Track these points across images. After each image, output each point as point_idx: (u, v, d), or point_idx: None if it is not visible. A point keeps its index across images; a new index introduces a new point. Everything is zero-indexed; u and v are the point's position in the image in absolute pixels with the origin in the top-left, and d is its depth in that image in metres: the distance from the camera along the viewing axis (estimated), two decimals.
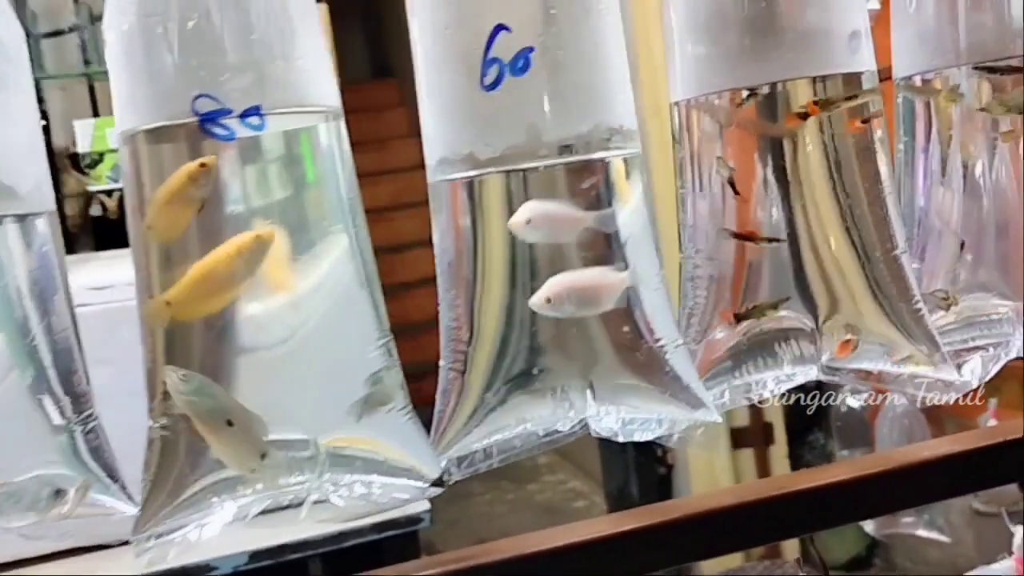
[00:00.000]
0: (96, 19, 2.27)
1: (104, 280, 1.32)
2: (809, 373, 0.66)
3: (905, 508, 0.66)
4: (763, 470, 2.61)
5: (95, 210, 2.36)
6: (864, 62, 0.63)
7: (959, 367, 0.70)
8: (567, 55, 0.56)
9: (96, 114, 2.34)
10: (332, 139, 0.54)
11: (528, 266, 0.57)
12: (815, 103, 0.62)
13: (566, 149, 0.56)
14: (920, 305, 0.63)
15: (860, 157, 0.61)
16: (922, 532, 2.02)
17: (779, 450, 2.63)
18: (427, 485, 0.59)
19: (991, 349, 0.71)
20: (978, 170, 0.68)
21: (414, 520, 1.69)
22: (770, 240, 0.65)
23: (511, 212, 0.56)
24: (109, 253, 1.91)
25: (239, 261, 0.50)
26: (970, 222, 0.69)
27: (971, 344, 0.71)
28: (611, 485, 2.83)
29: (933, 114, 0.67)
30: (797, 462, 2.68)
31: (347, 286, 0.54)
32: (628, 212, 0.58)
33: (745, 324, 0.66)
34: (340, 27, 2.70)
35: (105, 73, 0.54)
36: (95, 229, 2.37)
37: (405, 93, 4.68)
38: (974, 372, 0.71)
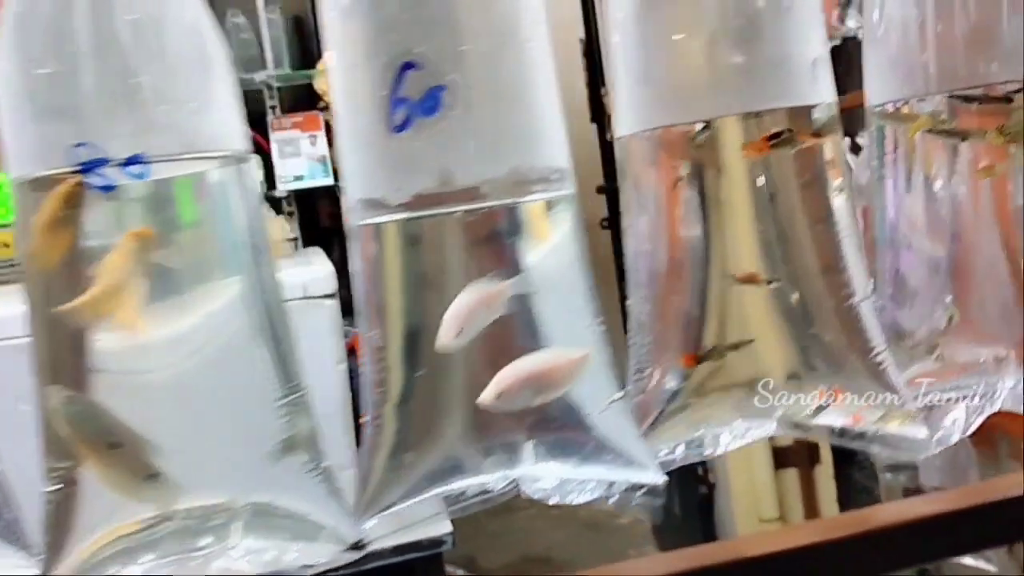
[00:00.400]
0: None
1: None
2: (767, 428, 0.61)
3: (893, 571, 0.61)
4: (808, 491, 2.53)
5: None
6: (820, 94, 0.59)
7: (942, 418, 0.65)
8: (481, 94, 0.52)
9: None
10: (229, 182, 0.51)
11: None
12: (769, 138, 0.57)
13: (480, 195, 0.52)
14: (882, 357, 0.57)
15: (807, 199, 0.56)
16: (969, 560, 1.94)
17: (825, 470, 2.54)
18: (343, 548, 0.55)
19: (976, 399, 0.65)
20: (961, 204, 0.62)
21: (436, 543, 1.67)
22: (770, 281, 0.60)
23: (421, 261, 0.52)
24: None
25: (131, 259, 0.48)
26: (952, 261, 0.63)
27: (954, 393, 0.65)
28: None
29: (902, 143, 0.61)
30: (844, 483, 2.59)
31: (234, 336, 0.51)
32: (550, 257, 0.54)
33: (699, 374, 0.61)
34: None
35: None
36: None
37: None
38: (956, 423, 0.65)
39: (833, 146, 0.57)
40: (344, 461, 0.60)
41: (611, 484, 0.57)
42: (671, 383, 0.61)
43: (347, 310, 2.51)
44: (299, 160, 2.33)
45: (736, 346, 0.61)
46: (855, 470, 2.64)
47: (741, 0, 0.56)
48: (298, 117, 2.39)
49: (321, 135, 2.38)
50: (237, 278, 0.51)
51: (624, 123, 0.60)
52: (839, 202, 0.57)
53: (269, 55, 2.41)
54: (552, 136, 0.55)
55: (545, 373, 0.52)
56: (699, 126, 0.59)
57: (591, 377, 0.55)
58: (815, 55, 0.58)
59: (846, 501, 2.58)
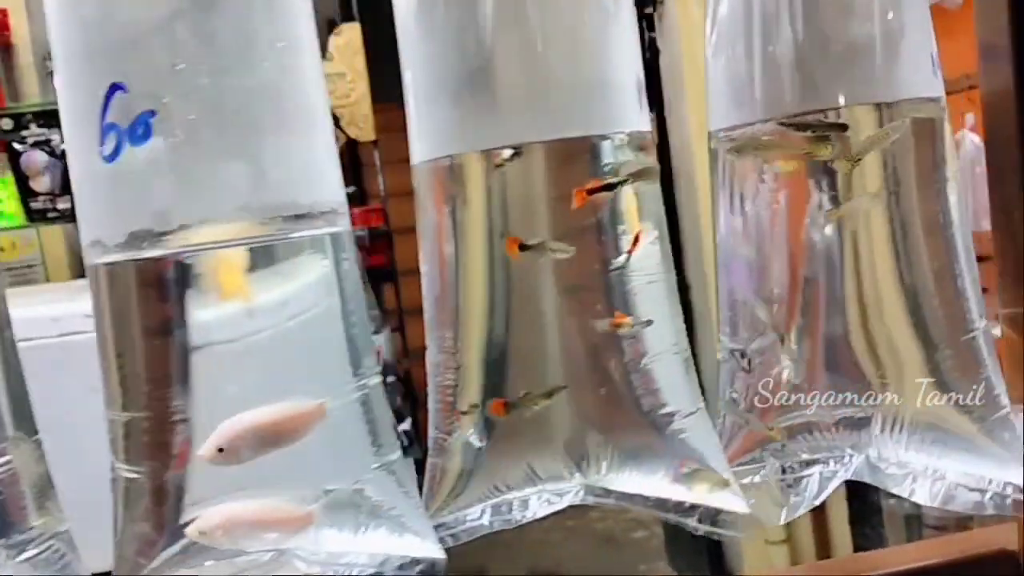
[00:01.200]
0: None
1: None
2: (575, 495, 0.54)
3: None
4: (818, 514, 2.43)
5: None
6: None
7: (791, 484, 0.57)
8: (201, 121, 0.45)
9: None
10: None
11: None
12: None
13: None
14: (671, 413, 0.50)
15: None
16: None
17: (836, 492, 2.43)
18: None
19: (830, 463, 0.57)
20: (803, 234, 0.54)
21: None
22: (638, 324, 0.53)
23: (151, 312, 0.46)
24: None
25: None
26: (795, 298, 0.55)
27: (805, 457, 0.57)
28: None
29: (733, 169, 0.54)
30: (857, 504, 2.49)
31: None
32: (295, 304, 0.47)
33: (509, 425, 0.54)
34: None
35: None
36: None
37: None
38: (808, 492, 0.57)
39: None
40: None
41: (385, 559, 0.51)
42: (474, 436, 0.54)
43: None
44: None
45: (550, 393, 0.53)
46: (869, 491, 2.53)
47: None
48: None
49: None
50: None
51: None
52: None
53: None
54: (308, 169, 0.48)
55: (270, 425, 0.47)
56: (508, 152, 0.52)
57: (349, 436, 0.49)
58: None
59: (859, 522, 2.48)
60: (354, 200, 2.69)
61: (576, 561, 3.02)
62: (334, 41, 2.41)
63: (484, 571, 2.72)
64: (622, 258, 0.49)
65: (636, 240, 0.49)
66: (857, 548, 2.24)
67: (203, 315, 0.45)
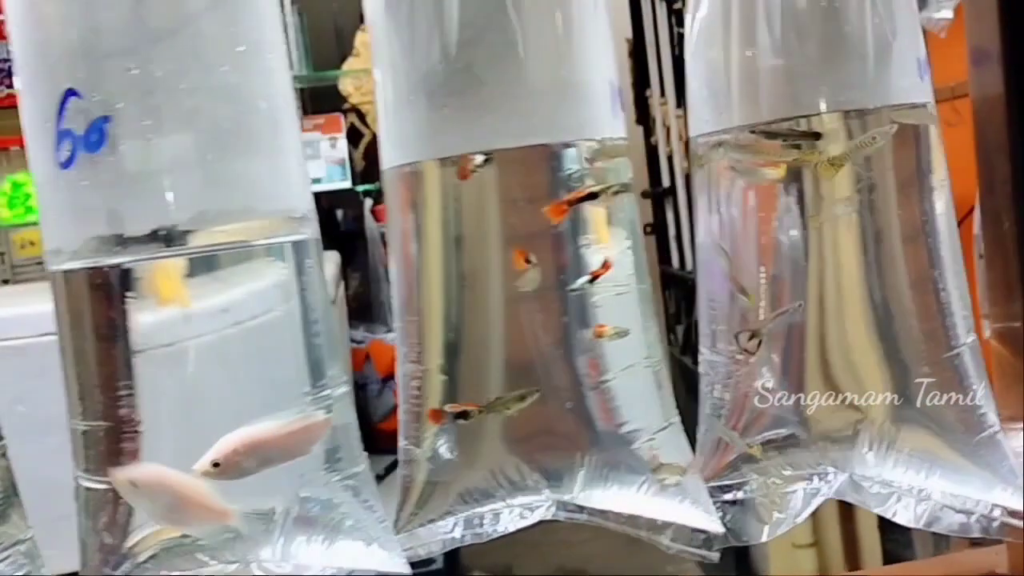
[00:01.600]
0: None
1: None
2: (547, 510, 0.53)
3: None
4: (846, 516, 2.40)
5: None
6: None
7: (775, 501, 0.55)
8: (157, 127, 0.44)
9: None
10: None
11: None
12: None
13: (159, 242, 0.45)
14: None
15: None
16: None
17: None
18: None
19: (814, 480, 0.55)
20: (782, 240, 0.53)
21: None
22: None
23: (100, 321, 0.46)
24: None
25: None
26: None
27: (788, 474, 0.55)
28: None
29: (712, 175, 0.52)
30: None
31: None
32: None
33: (475, 437, 0.53)
34: None
35: None
36: None
37: None
38: (792, 509, 0.55)
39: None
40: None
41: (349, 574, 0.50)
42: (444, 446, 0.53)
43: (363, 315, 2.48)
44: (318, 163, 2.30)
45: (522, 396, 0.52)
46: None
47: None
48: (320, 119, 2.36)
49: (342, 138, 2.35)
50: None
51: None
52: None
53: (294, 56, 2.38)
54: (270, 174, 0.47)
55: (271, 440, 0.46)
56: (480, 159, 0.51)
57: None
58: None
59: (889, 529, 2.43)
60: (379, 198, 2.69)
61: (603, 560, 3.00)
62: (360, 37, 2.40)
63: (510, 570, 2.72)
64: (583, 280, 0.48)
65: (605, 266, 0.48)
66: (887, 555, 2.20)
67: (144, 320, 0.44)
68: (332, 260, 2.01)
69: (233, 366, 0.46)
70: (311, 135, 2.31)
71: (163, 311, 0.45)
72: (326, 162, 2.30)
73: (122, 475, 0.44)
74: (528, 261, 0.49)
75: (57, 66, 0.45)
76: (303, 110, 2.37)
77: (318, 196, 2.28)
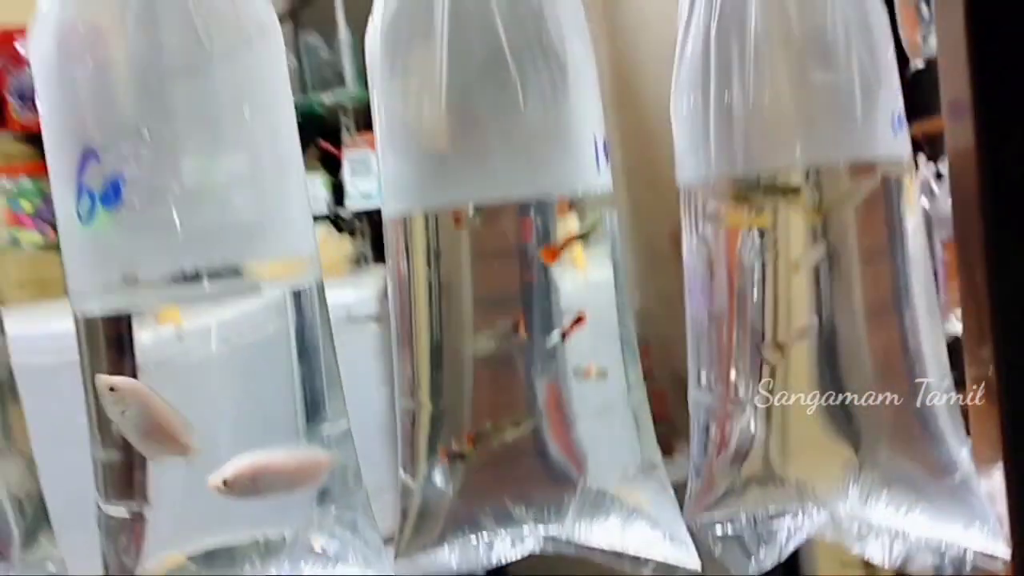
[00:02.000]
0: None
1: None
2: (538, 543, 0.55)
3: None
4: None
5: None
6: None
7: (762, 536, 0.57)
8: (173, 185, 0.48)
9: None
10: None
11: None
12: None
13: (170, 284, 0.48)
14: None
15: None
16: None
17: None
18: None
19: (798, 516, 0.57)
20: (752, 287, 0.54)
21: None
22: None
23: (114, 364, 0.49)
24: None
25: None
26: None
27: (772, 509, 0.57)
28: None
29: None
30: None
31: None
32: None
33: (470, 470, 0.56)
34: None
35: None
36: None
37: None
38: (778, 543, 0.57)
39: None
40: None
41: None
42: (439, 478, 0.56)
43: None
44: (369, 179, 2.34)
45: (517, 421, 0.54)
46: None
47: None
48: (370, 136, 2.39)
49: None
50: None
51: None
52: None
53: (348, 74, 2.43)
54: (275, 225, 0.51)
55: (279, 468, 0.49)
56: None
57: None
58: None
59: None
60: None
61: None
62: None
63: (554, 570, 2.72)
64: (555, 336, 0.51)
65: (578, 321, 0.50)
66: None
67: (151, 357, 0.48)
68: (378, 275, 2.05)
69: (235, 396, 0.50)
70: (362, 152, 2.35)
71: (169, 347, 0.48)
72: (376, 178, 2.34)
73: (104, 381, 0.48)
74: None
75: (78, 128, 0.48)
76: (355, 126, 2.42)
77: (370, 212, 2.33)
